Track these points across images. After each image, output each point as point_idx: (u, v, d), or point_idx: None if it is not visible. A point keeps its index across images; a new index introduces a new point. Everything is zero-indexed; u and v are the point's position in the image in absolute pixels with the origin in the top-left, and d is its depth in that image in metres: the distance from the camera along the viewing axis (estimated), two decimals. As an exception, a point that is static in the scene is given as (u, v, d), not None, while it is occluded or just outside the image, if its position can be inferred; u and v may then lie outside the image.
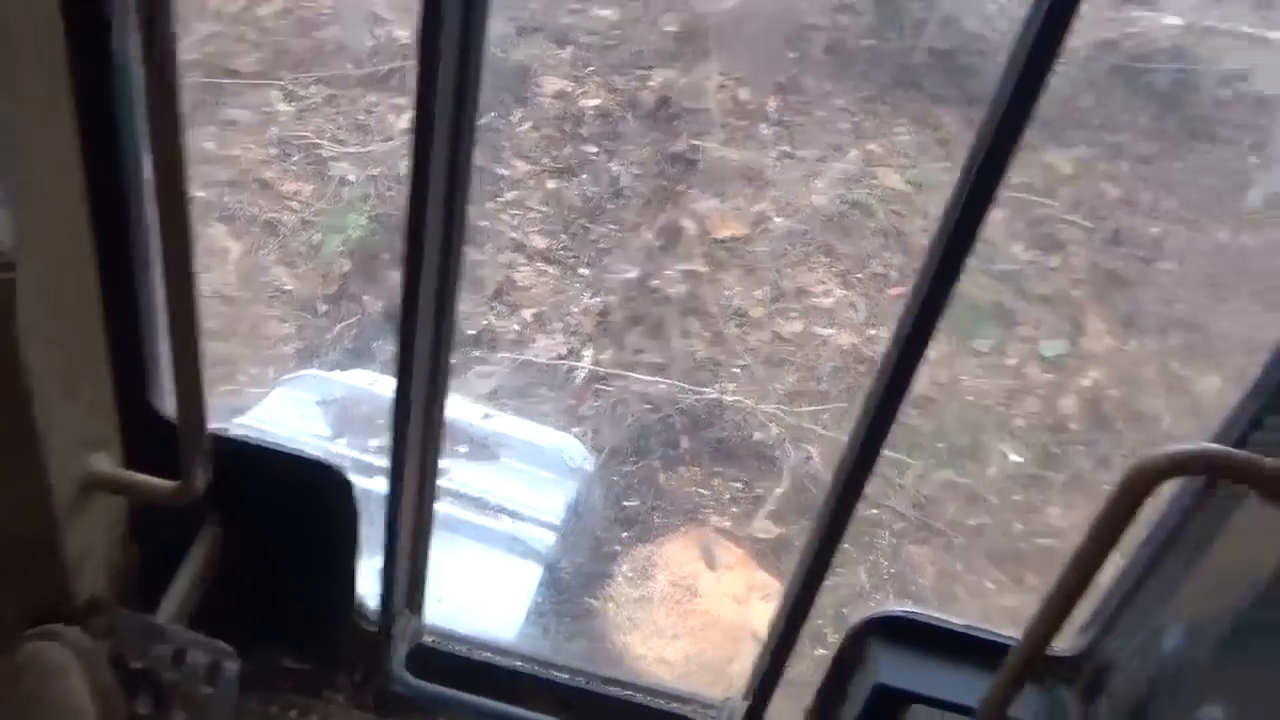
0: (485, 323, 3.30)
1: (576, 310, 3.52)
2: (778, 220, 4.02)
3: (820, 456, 3.27)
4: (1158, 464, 0.76)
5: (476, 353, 3.16)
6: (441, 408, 1.12)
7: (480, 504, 2.00)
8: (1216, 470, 0.81)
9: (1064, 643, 1.10)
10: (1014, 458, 3.48)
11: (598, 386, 3.24)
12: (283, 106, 3.79)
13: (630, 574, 2.60)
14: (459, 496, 2.13)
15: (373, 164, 3.61)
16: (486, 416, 2.48)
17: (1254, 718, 0.60)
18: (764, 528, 2.88)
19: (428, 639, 1.23)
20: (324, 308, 3.13)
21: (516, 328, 3.41)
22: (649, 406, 3.18)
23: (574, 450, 2.47)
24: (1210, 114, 4.15)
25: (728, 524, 2.88)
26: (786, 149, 4.25)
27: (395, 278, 3.57)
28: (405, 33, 4.06)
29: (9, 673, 1.01)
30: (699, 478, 3.02)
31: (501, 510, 2.11)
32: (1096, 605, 1.11)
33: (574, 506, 2.26)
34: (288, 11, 4.03)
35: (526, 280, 3.60)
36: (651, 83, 4.36)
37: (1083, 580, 0.83)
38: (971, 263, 3.59)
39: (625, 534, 2.76)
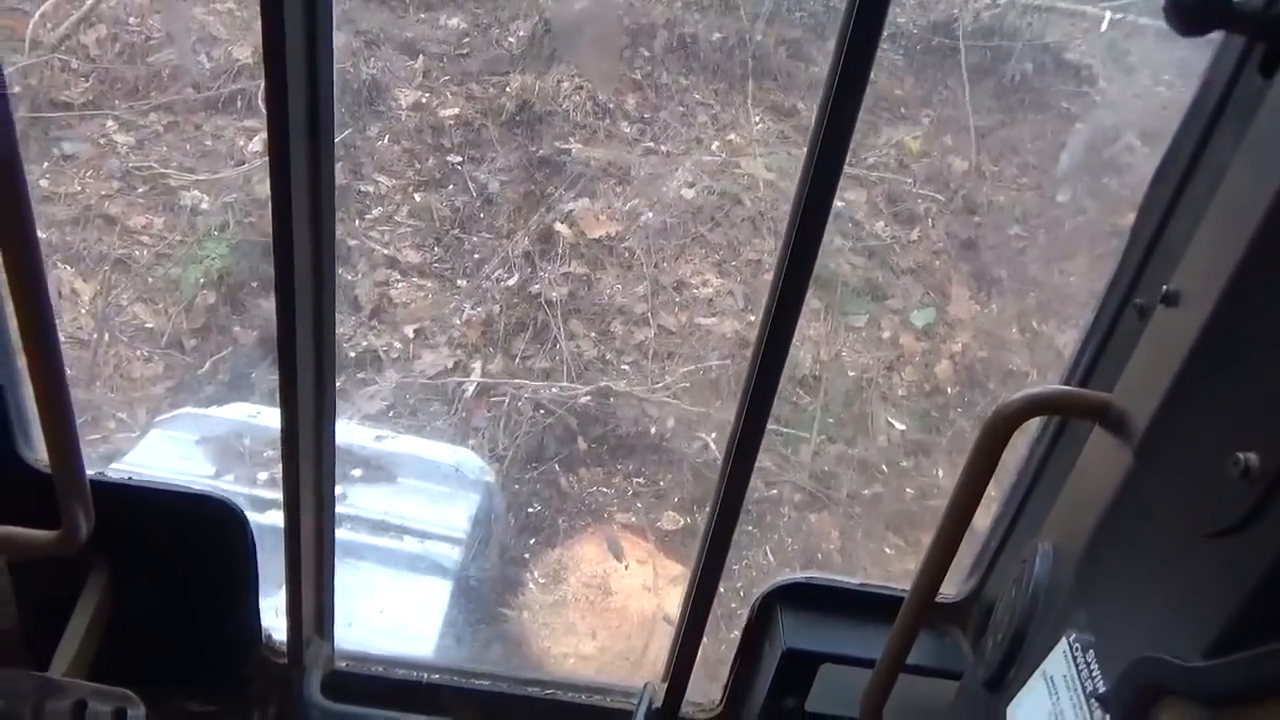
0: (366, 343, 3.24)
1: (459, 322, 3.50)
2: (649, 216, 4.09)
3: (716, 443, 3.35)
4: (1013, 407, 0.84)
5: (361, 374, 3.10)
6: (331, 431, 1.10)
7: (381, 526, 1.97)
8: (1063, 408, 0.89)
9: (953, 589, 1.19)
10: (899, 426, 3.65)
11: (489, 397, 3.23)
12: (121, 137, 3.61)
13: (541, 579, 2.61)
14: (359, 521, 2.09)
15: (226, 190, 3.49)
16: (379, 438, 2.44)
17: (1110, 626, 0.67)
18: (669, 519, 2.94)
19: (341, 664, 1.21)
20: (192, 343, 3.01)
21: (399, 345, 3.36)
22: (543, 411, 3.19)
23: (471, 463, 2.46)
24: (1038, 84, 4.46)
25: (633, 519, 2.92)
26: (650, 145, 4.33)
27: (265, 306, 3.47)
28: (245, 51, 3.94)
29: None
30: (600, 477, 3.05)
31: (404, 530, 2.07)
32: (978, 551, 1.20)
33: (477, 519, 2.25)
34: (113, 38, 3.84)
35: (404, 296, 3.55)
36: (509, 88, 4.36)
37: (958, 527, 0.89)
38: (839, 243, 3.74)
39: (532, 540, 2.76)
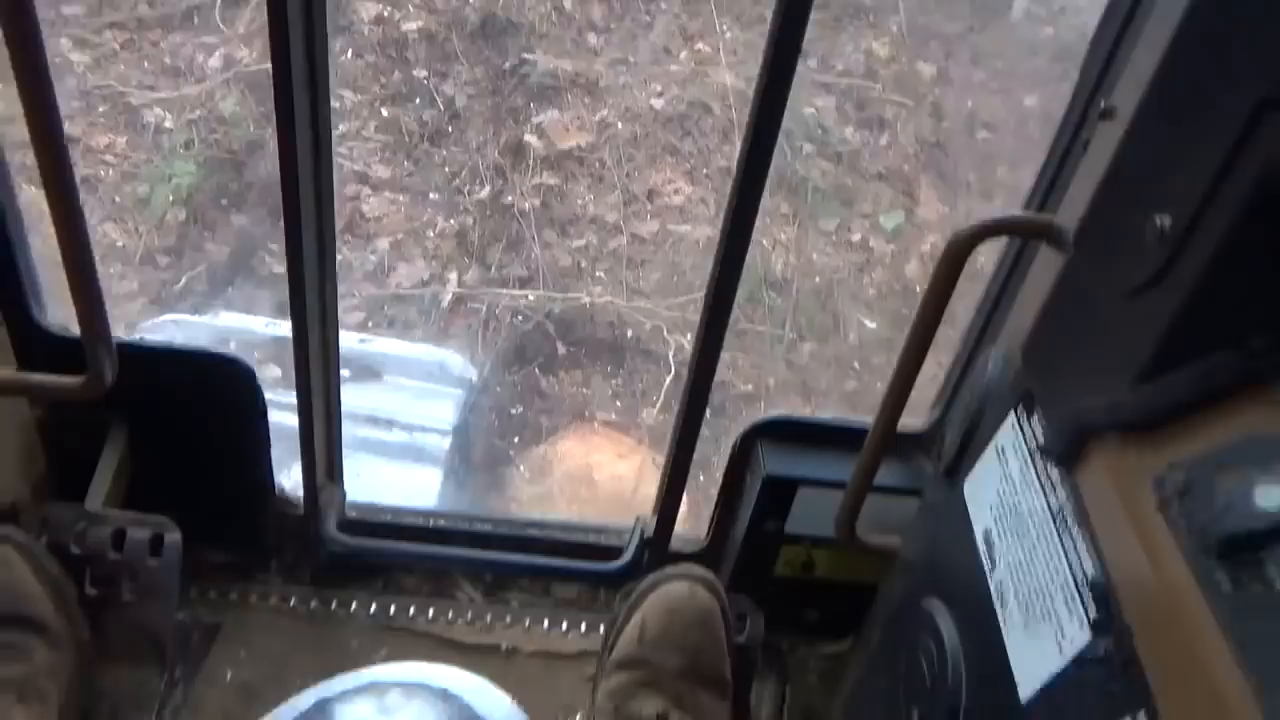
0: (341, 257, 3.26)
1: (433, 234, 3.52)
2: (620, 126, 4.10)
3: (690, 344, 3.43)
4: (966, 233, 0.90)
5: (340, 288, 3.13)
6: (333, 274, 1.16)
7: (371, 420, 2.04)
8: (1012, 229, 0.96)
9: (919, 421, 1.28)
10: (870, 324, 3.75)
11: (466, 305, 3.28)
12: (77, 56, 3.55)
13: (526, 475, 2.70)
14: (349, 416, 2.15)
15: (189, 107, 3.46)
16: (363, 340, 2.49)
17: (1050, 395, 0.75)
18: (650, 416, 3.03)
19: (351, 513, 1.28)
20: (165, 260, 3.02)
21: (374, 258, 3.39)
22: (521, 318, 3.25)
23: (454, 361, 2.53)
24: (1006, -14, 4.46)
25: (614, 417, 3.00)
26: (618, 55, 4.31)
27: (236, 221, 3.45)
28: (201, -35, 3.86)
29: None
30: (580, 379, 3.13)
31: (393, 424, 2.15)
32: (941, 384, 1.29)
33: (463, 410, 2.33)
34: (65, -47, 3.75)
35: (376, 211, 3.56)
36: (471, 1, 4.31)
37: (919, 352, 0.96)
38: (808, 149, 3.78)
39: (516, 439, 2.84)
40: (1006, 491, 0.79)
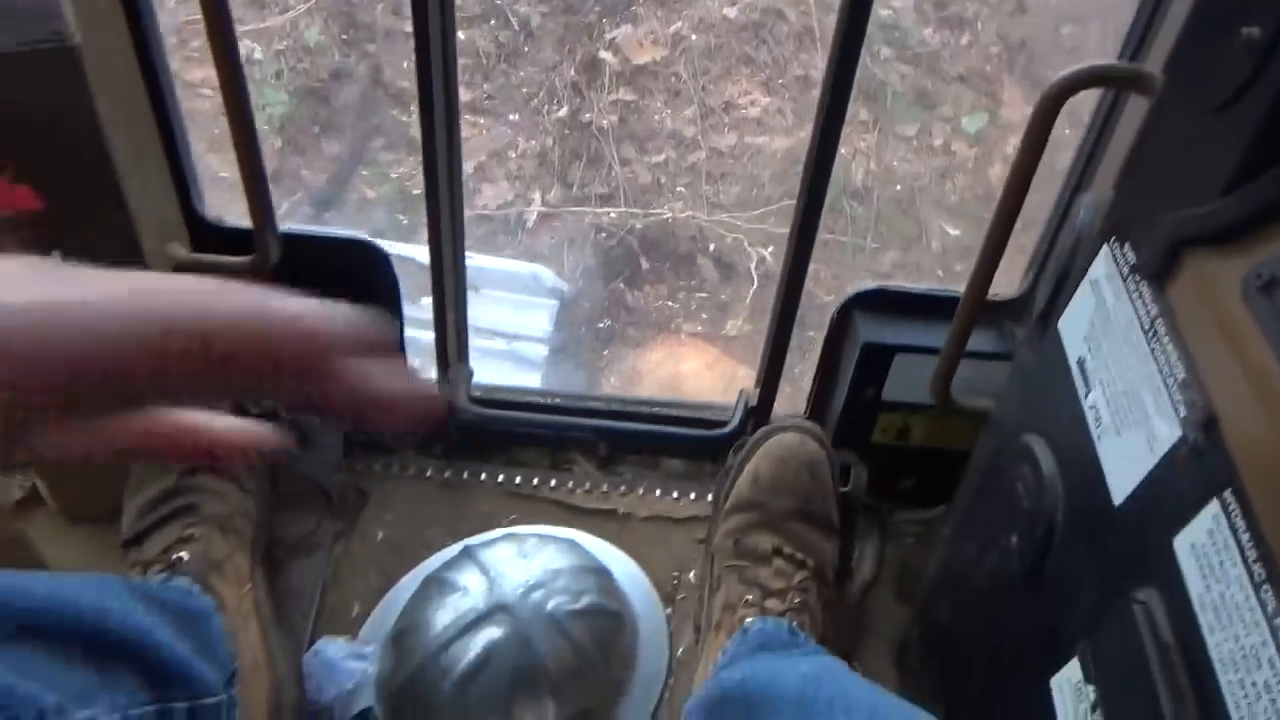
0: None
1: (515, 155, 3.60)
2: (694, 38, 4.08)
3: (774, 257, 3.47)
4: (1057, 86, 0.92)
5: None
6: (459, 148, 1.24)
7: (473, 330, 2.15)
8: (1103, 79, 0.96)
9: (1013, 290, 1.31)
10: (953, 231, 3.73)
11: (551, 224, 3.36)
12: (165, -8, 3.68)
13: (617, 384, 2.80)
14: (452, 326, 2.27)
15: (277, 38, 3.56)
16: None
17: (1140, 218, 0.77)
18: (735, 327, 3.10)
19: (476, 392, 1.39)
20: (265, 187, 3.16)
21: (458, 181, 3.49)
22: (604, 234, 3.32)
23: (546, 274, 2.62)
24: None
25: (699, 328, 3.08)
26: (689, -36, 4.27)
27: (328, 148, 3.57)
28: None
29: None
30: (665, 293, 3.21)
31: (493, 333, 2.26)
32: (1032, 252, 1.31)
33: (557, 319, 2.43)
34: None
35: (458, 135, 3.65)
36: (539, -81, 4.30)
37: (1012, 211, 0.98)
38: (887, 52, 3.73)
39: (605, 350, 2.94)
40: (1099, 319, 0.81)
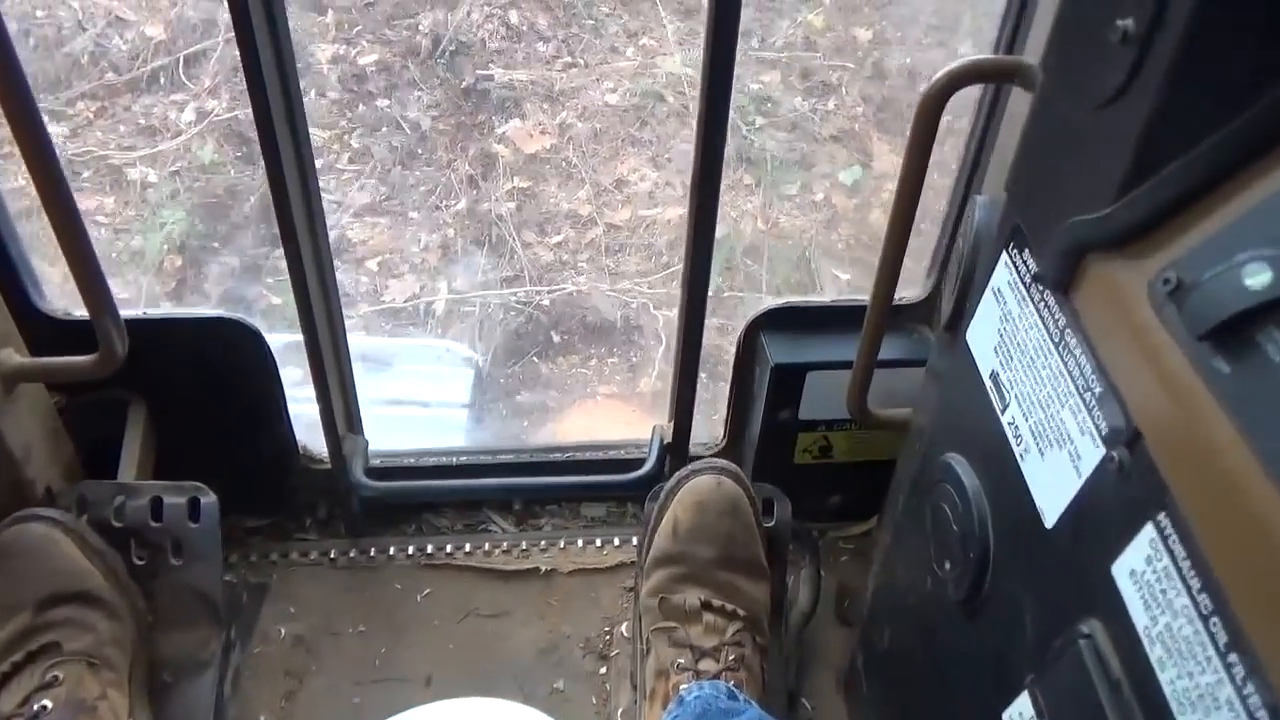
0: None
1: (418, 250, 3.52)
2: (580, 125, 4.10)
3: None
4: (938, 85, 0.89)
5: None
6: (330, 258, 1.15)
7: (391, 402, 2.04)
8: (982, 75, 0.95)
9: (916, 290, 1.26)
10: (843, 276, 3.75)
11: (461, 310, 3.27)
12: (54, 129, 3.54)
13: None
14: (368, 401, 2.17)
15: (170, 161, 3.45)
16: (368, 336, 2.49)
17: (1036, 223, 0.72)
18: (647, 384, 3.03)
19: (375, 461, 1.27)
20: (167, 305, 3.00)
21: (365, 279, 3.39)
22: (513, 313, 3.24)
23: (458, 347, 2.53)
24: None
25: (615, 390, 3.00)
26: (569, 60, 4.32)
27: (229, 261, 3.44)
28: (157, 30, 3.86)
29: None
30: (578, 361, 3.13)
31: (412, 403, 2.14)
32: (932, 252, 1.27)
33: (476, 386, 2.33)
34: (24, 34, 3.74)
35: (360, 236, 3.55)
36: (422, 27, 4.31)
37: (907, 218, 0.95)
38: (760, 122, 3.79)
39: (525, 423, 2.83)
40: (1007, 330, 0.77)
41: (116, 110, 3.61)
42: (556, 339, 3.16)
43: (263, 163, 0.96)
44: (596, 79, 4.22)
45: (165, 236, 3.12)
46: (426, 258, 3.49)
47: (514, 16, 4.30)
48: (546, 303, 3.26)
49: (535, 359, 3.03)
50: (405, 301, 3.35)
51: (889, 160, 4.13)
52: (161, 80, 3.72)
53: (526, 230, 3.63)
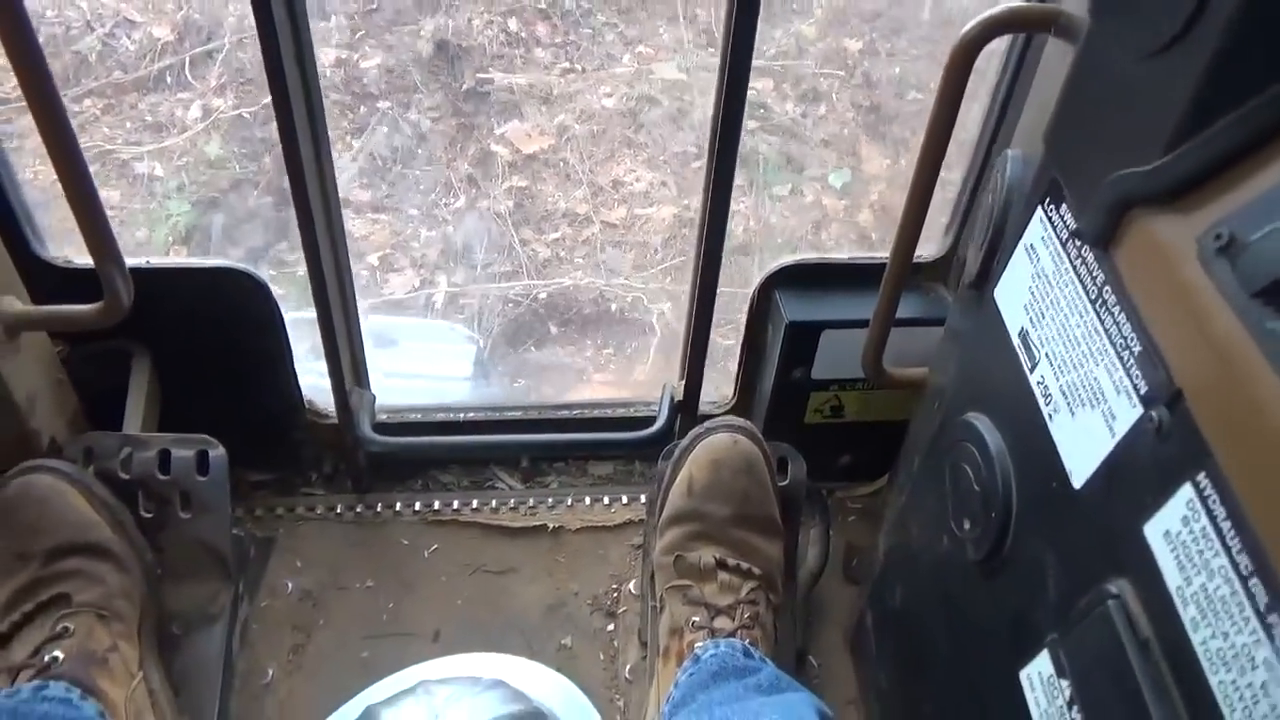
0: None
1: (418, 245, 3.53)
2: (578, 128, 4.13)
3: (671, 311, 3.46)
4: (972, 33, 0.84)
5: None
6: (339, 210, 1.14)
7: (396, 375, 2.05)
8: (1018, 23, 0.87)
9: (934, 248, 1.24)
10: (834, 274, 3.78)
11: (460, 302, 3.28)
12: (62, 125, 3.54)
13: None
14: (374, 371, 2.20)
15: (176, 156, 3.46)
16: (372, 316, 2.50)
17: (1076, 176, 0.68)
18: (642, 373, 3.05)
19: (381, 416, 1.25)
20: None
21: (366, 274, 3.40)
22: (511, 305, 3.25)
23: (459, 328, 2.55)
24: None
25: (610, 378, 3.02)
26: (567, 65, 4.35)
27: (232, 253, 3.45)
28: (164, 30, 3.88)
29: (2, 509, 0.99)
30: (574, 352, 3.14)
31: (416, 375, 2.15)
32: (951, 211, 1.25)
33: (477, 362, 2.35)
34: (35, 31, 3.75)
35: (362, 231, 3.57)
36: (423, 32, 4.34)
37: (930, 174, 0.93)
38: (753, 125, 3.85)
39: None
40: (1039, 288, 0.73)
41: (124, 108, 3.62)
42: (554, 331, 3.18)
43: (274, 125, 0.95)
44: (594, 84, 4.25)
45: (170, 227, 3.13)
46: (426, 253, 3.50)
47: (513, 24, 4.33)
48: (544, 296, 3.28)
49: (534, 349, 3.05)
50: (406, 294, 3.36)
51: (878, 164, 4.17)
52: (168, 79, 3.73)
53: (524, 228, 3.66)
